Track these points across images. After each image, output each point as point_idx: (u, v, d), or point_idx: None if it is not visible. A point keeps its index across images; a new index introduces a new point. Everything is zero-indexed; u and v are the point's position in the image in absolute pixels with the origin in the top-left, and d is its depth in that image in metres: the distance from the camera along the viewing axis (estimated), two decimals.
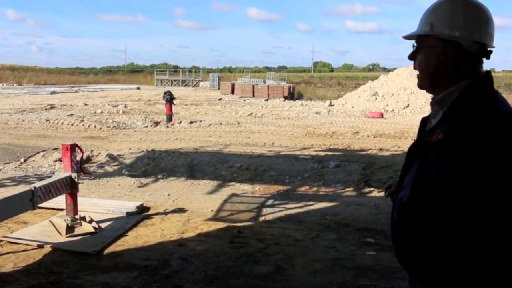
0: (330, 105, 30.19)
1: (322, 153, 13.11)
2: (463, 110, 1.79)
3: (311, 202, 8.04)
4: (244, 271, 5.24)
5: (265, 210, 7.56)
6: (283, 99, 37.66)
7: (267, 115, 24.20)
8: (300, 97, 42.75)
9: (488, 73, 1.90)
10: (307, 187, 9.37)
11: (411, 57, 2.02)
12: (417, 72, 2.01)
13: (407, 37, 2.03)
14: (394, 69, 34.74)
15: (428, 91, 2.00)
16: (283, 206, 7.81)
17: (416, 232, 1.83)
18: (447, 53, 1.88)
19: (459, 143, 1.70)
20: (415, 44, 2.00)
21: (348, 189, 9.25)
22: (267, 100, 36.60)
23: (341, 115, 25.27)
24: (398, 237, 1.97)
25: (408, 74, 29.65)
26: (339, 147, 14.34)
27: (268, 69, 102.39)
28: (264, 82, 46.87)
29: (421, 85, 2.01)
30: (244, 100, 35.79)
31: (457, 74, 1.88)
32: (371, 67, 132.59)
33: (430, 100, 2.04)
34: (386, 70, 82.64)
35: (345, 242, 6.15)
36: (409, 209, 1.86)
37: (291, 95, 40.42)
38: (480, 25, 1.88)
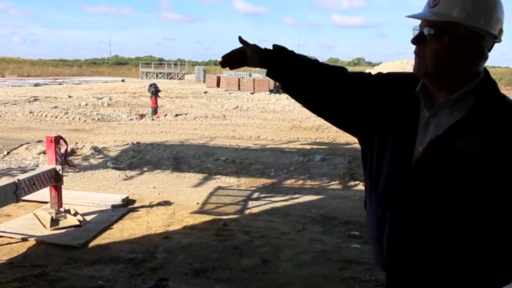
0: None
1: (308, 147, 13.14)
2: (496, 115, 1.67)
3: (297, 195, 8.07)
4: (230, 264, 5.24)
5: (251, 203, 7.57)
6: (269, 92, 37.58)
7: (253, 108, 24.16)
8: None
9: (488, 71, 1.79)
10: (293, 180, 9.40)
11: (419, 41, 1.74)
12: (413, 58, 1.80)
13: (417, 18, 1.76)
14: (380, 63, 35.01)
15: (430, 83, 1.77)
16: (269, 199, 7.82)
17: (446, 247, 1.72)
18: (473, 47, 1.69)
19: (505, 151, 1.61)
20: (429, 28, 1.70)
21: (333, 182, 9.29)
22: (252, 93, 36.53)
23: None
24: (407, 249, 1.81)
25: (393, 68, 29.83)
26: (324, 140, 14.38)
27: None
28: (250, 75, 46.75)
29: (424, 73, 1.75)
30: (230, 93, 35.70)
31: (474, 72, 1.72)
32: (356, 61, 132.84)
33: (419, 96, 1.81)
34: (371, 65, 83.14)
35: (331, 235, 6.18)
36: (443, 224, 1.71)
37: (277, 89, 40.33)
38: (502, 19, 1.73)
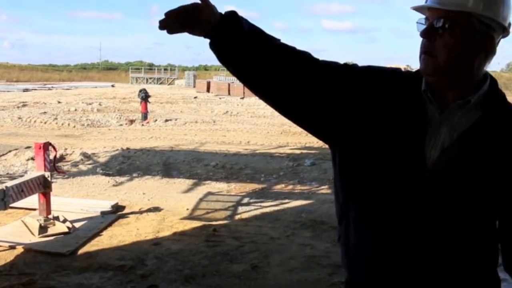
0: None
1: (298, 151, 13.15)
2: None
3: (287, 200, 8.07)
4: (220, 270, 5.23)
5: (240, 209, 7.56)
6: None
7: (243, 113, 24.16)
8: None
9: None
10: (283, 185, 9.39)
11: (429, 34, 1.57)
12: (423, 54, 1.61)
13: (426, 7, 1.59)
14: None
15: (439, 81, 1.61)
16: (259, 204, 7.81)
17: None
18: (487, 41, 1.57)
19: None
20: (441, 20, 1.54)
21: (323, 186, 9.29)
22: (242, 98, 36.52)
23: None
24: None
25: None
26: (314, 145, 14.38)
27: None
28: None
29: (434, 71, 1.59)
30: (220, 98, 35.72)
31: (484, 70, 1.63)
32: None
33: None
34: None
35: (321, 240, 6.19)
36: (466, 232, 1.63)
37: None
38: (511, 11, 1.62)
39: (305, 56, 1.73)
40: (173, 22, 1.59)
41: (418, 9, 1.62)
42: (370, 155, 1.65)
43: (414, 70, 1.76)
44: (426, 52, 1.58)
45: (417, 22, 1.62)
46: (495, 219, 1.69)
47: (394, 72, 1.77)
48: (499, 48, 1.63)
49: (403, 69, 1.89)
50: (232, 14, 1.65)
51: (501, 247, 1.70)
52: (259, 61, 1.67)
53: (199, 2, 1.60)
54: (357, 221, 1.72)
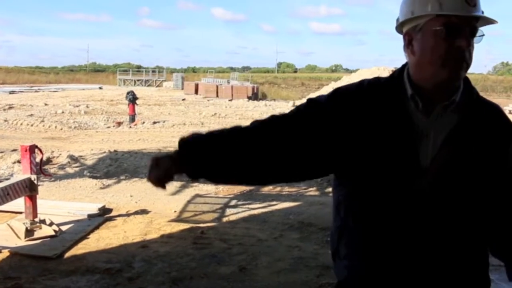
0: (294, 105, 30.35)
1: None
2: (486, 106, 1.75)
3: (275, 202, 8.08)
4: (208, 272, 5.22)
5: (228, 211, 7.56)
6: (247, 99, 37.68)
7: (231, 115, 24.17)
8: (264, 97, 42.89)
9: None
10: (271, 187, 9.37)
11: (469, 41, 1.61)
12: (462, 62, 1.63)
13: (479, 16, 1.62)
14: (357, 70, 35.30)
15: (452, 86, 1.67)
16: (247, 206, 7.82)
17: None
18: None
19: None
20: (481, 31, 1.63)
21: (311, 188, 9.31)
22: (231, 100, 36.56)
23: None
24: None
25: (370, 75, 30.01)
26: None
27: (232, 69, 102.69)
28: (228, 82, 46.87)
29: (460, 78, 1.67)
30: (208, 100, 35.68)
31: None
32: (334, 68, 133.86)
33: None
34: (348, 71, 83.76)
35: (309, 241, 6.20)
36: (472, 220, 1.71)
37: (255, 96, 40.51)
38: None
39: (271, 128, 1.78)
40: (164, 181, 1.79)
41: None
42: (370, 177, 1.70)
43: (388, 76, 1.79)
44: (466, 61, 1.61)
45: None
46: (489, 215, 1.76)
47: (364, 85, 1.79)
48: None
49: (391, 71, 1.92)
50: (185, 150, 1.76)
51: (490, 231, 1.76)
52: (240, 161, 1.76)
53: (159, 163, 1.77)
54: (359, 235, 1.77)
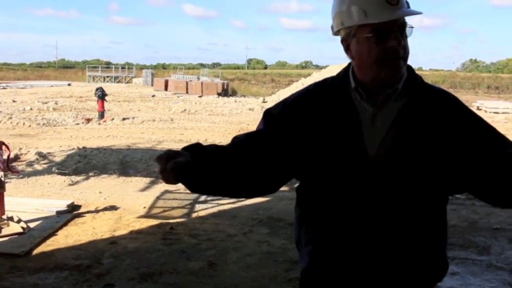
0: (264, 101, 30.42)
1: None
2: (427, 88, 1.84)
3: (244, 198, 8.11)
4: (177, 268, 5.25)
5: (198, 206, 7.59)
6: (217, 95, 37.66)
7: (201, 111, 24.14)
8: (234, 93, 42.88)
9: None
10: None
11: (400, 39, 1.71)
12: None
13: (411, 14, 1.73)
14: (327, 66, 35.58)
15: (394, 79, 1.76)
16: (216, 202, 7.84)
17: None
18: None
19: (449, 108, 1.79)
20: (409, 24, 1.73)
21: None
22: (200, 96, 36.49)
23: None
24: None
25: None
26: None
27: (202, 65, 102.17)
28: (198, 78, 46.74)
29: (400, 73, 1.76)
30: (178, 97, 35.56)
31: None
32: (304, 64, 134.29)
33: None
34: (318, 68, 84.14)
35: (278, 236, 6.28)
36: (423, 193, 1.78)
37: (225, 92, 40.49)
38: None
39: (250, 146, 1.92)
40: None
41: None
42: (324, 168, 1.80)
43: (334, 75, 1.90)
44: (401, 57, 1.72)
45: (405, 24, 1.72)
46: (444, 194, 1.85)
47: (311, 88, 1.92)
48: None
49: None
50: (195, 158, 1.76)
51: (481, 185, 1.76)
52: (233, 174, 1.85)
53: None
54: (316, 221, 1.91)
